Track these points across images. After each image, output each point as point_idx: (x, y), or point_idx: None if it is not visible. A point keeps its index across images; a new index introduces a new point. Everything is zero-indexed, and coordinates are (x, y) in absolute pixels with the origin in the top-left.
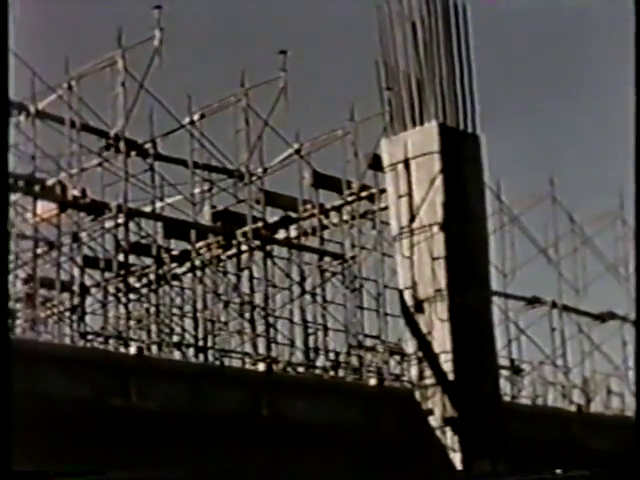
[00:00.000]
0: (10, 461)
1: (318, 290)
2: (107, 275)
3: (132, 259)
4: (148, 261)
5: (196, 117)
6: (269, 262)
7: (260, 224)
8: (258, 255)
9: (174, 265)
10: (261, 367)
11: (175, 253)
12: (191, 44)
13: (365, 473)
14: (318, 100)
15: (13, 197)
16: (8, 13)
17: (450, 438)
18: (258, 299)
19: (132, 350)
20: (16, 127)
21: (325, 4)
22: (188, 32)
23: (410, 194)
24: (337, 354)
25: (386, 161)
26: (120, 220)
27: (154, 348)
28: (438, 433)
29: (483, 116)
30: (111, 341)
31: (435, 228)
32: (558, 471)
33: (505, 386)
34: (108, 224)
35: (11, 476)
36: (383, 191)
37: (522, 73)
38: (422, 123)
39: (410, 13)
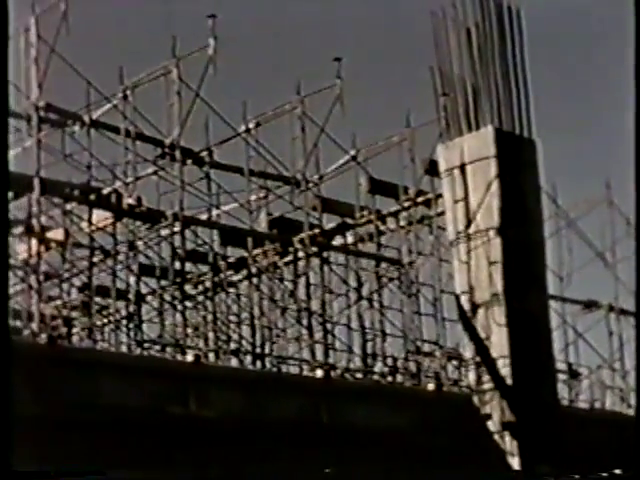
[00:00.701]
0: (10, 461)
1: (375, 296)
2: (163, 283)
3: (188, 267)
4: (204, 269)
5: (252, 125)
6: (326, 268)
7: (317, 231)
8: (315, 262)
9: (230, 272)
10: (319, 374)
11: (232, 260)
12: (246, 51)
13: (424, 478)
14: (374, 106)
15: (68, 206)
16: (8, 14)
17: (509, 443)
18: (315, 305)
19: (189, 358)
20: (71, 137)
21: (380, 10)
22: (243, 39)
23: (466, 199)
24: (395, 360)
25: (442, 166)
26: (176, 228)
27: (211, 355)
28: (496, 438)
29: (538, 120)
30: (168, 349)
31: (492, 233)
32: (617, 471)
33: (563, 390)
34: (164, 232)
35: (11, 476)
36: (439, 196)
37: (577, 75)
38: (478, 128)
39: (464, 19)
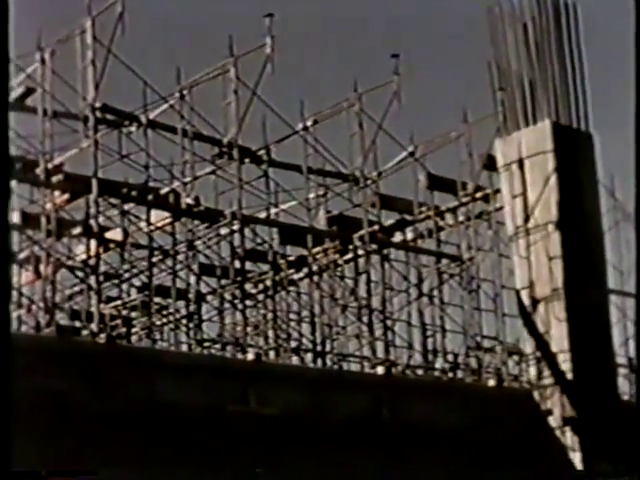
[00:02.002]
0: (10, 461)
1: (435, 292)
2: (223, 282)
3: (248, 266)
4: (264, 267)
5: (309, 122)
6: (386, 265)
7: (376, 227)
8: (375, 259)
9: (291, 271)
10: (380, 370)
11: (292, 259)
12: (303, 50)
13: (485, 474)
14: (432, 102)
15: (127, 206)
16: (8, 13)
17: (570, 438)
18: (376, 303)
19: (250, 356)
20: (128, 137)
21: (436, 6)
22: (300, 38)
23: (525, 194)
24: (455, 356)
25: (500, 161)
26: (235, 227)
27: (272, 354)
28: (557, 433)
29: (596, 113)
30: (228, 348)
31: (550, 227)
32: None
33: (623, 385)
34: (223, 231)
35: (11, 476)
36: (498, 191)
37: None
38: (535, 122)
39: (521, 13)
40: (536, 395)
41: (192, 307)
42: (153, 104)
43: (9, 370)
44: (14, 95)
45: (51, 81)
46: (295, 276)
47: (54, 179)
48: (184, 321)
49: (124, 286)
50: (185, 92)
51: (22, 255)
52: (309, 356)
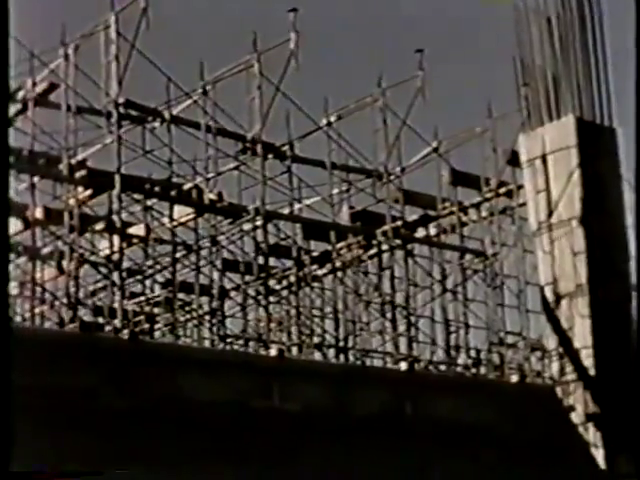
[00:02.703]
0: (10, 461)
1: (459, 288)
2: (247, 278)
3: (272, 261)
4: (288, 263)
5: (333, 118)
6: (410, 261)
7: (399, 223)
8: (399, 254)
9: (314, 266)
10: (403, 366)
11: (315, 254)
12: (327, 45)
13: (507, 470)
14: (456, 97)
15: (150, 202)
16: (8, 12)
17: (592, 434)
18: (399, 298)
19: (273, 352)
20: (152, 133)
21: (461, 1)
22: (323, 33)
23: (548, 189)
24: (478, 352)
25: (524, 157)
26: (258, 223)
27: (295, 350)
28: (580, 429)
29: (619, 108)
30: (251, 344)
31: (574, 223)
32: None
33: None
34: (246, 227)
35: (10, 476)
36: (521, 187)
37: None
38: (559, 117)
39: (545, 9)
40: (559, 391)
41: (215, 303)
42: (176, 100)
43: (9, 370)
44: (38, 90)
45: (74, 77)
46: (319, 272)
47: (77, 175)
48: (207, 317)
49: (147, 282)
50: (208, 88)
51: (45, 251)
52: (332, 352)
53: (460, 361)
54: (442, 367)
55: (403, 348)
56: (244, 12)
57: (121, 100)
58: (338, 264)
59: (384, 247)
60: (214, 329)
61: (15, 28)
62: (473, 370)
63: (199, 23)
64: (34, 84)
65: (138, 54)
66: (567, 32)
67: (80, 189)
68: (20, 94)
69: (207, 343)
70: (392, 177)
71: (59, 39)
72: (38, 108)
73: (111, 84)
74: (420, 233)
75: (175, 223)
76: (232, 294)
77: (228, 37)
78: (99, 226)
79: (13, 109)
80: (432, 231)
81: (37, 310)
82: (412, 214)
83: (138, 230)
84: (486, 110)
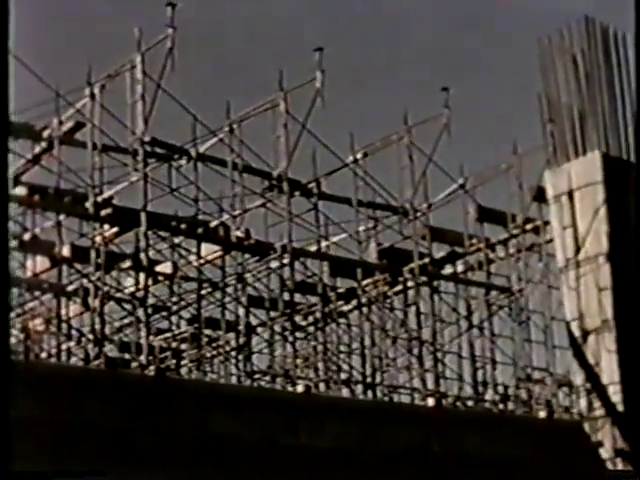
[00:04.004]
0: (9, 461)
1: (485, 324)
2: (273, 314)
3: (298, 298)
4: (314, 299)
5: (359, 155)
6: (436, 297)
7: (426, 260)
8: (425, 291)
9: (340, 303)
10: (430, 402)
11: (341, 291)
12: (353, 83)
13: None
14: (481, 135)
15: (176, 239)
16: (9, 15)
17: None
18: (426, 334)
19: (300, 388)
20: (178, 171)
21: (486, 38)
22: (349, 72)
23: (575, 225)
24: (506, 387)
25: (550, 193)
26: (285, 260)
27: (322, 386)
28: (609, 465)
29: None
30: (278, 380)
31: (601, 259)
32: None
33: None
34: (273, 264)
35: (10, 476)
36: (548, 223)
37: None
38: (585, 153)
39: (570, 45)
40: (587, 427)
41: (242, 339)
42: (203, 138)
43: (8, 369)
44: (64, 129)
45: (100, 115)
46: (345, 308)
47: (103, 212)
48: (234, 353)
49: (173, 318)
50: (235, 126)
51: (71, 287)
52: (359, 388)
53: (488, 397)
54: (470, 403)
55: (430, 384)
56: (269, 52)
57: (147, 138)
58: (364, 300)
59: (410, 283)
60: (241, 365)
61: (41, 68)
62: (501, 406)
63: (225, 63)
64: (60, 123)
65: (164, 93)
66: (592, 68)
67: (106, 227)
68: (46, 133)
69: (234, 379)
70: (419, 214)
71: (85, 79)
72: (64, 147)
73: (137, 122)
74: (447, 270)
75: (202, 260)
76: (258, 330)
77: (254, 76)
78: (125, 264)
79: (39, 148)
80: (459, 268)
81: (63, 346)
82: (439, 251)
83: (165, 268)
84: (512, 146)
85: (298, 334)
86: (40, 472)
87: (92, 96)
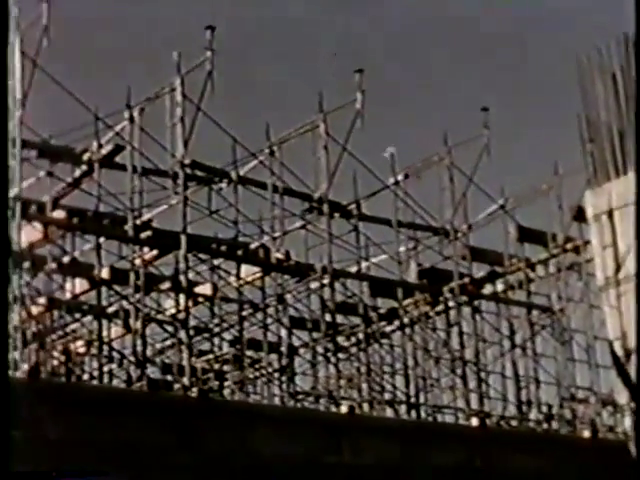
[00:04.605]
0: (9, 461)
1: (528, 343)
2: (315, 335)
3: (339, 319)
4: (355, 320)
5: (400, 176)
6: (478, 317)
7: (466, 280)
8: (466, 310)
9: (382, 323)
10: (474, 422)
11: (382, 311)
12: (393, 103)
13: None
14: (522, 155)
15: (216, 261)
16: (9, 17)
17: None
18: (469, 354)
19: (343, 409)
20: (218, 193)
21: (525, 57)
22: (390, 91)
23: (615, 244)
24: (549, 407)
25: (590, 212)
26: (325, 281)
27: (365, 406)
28: None
29: None
30: (322, 401)
31: None
32: None
33: None
34: (313, 285)
35: (11, 476)
36: (588, 242)
37: None
38: (625, 173)
39: (610, 64)
40: (632, 446)
41: (284, 360)
42: (243, 160)
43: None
44: (103, 152)
45: (140, 138)
46: (387, 328)
47: (143, 235)
48: (277, 374)
49: (215, 340)
50: (275, 148)
51: (111, 309)
52: (403, 408)
53: (532, 416)
54: (514, 422)
55: (474, 404)
56: (308, 74)
57: (187, 161)
58: (406, 320)
59: (451, 303)
60: (284, 386)
61: (81, 92)
62: (545, 425)
63: (264, 85)
64: (100, 146)
65: (204, 115)
66: (632, 86)
67: (146, 249)
68: (86, 156)
69: (277, 400)
70: (459, 234)
71: (124, 102)
72: (104, 170)
73: (177, 145)
74: (487, 289)
75: (242, 282)
76: (301, 351)
77: (294, 98)
78: (165, 285)
79: (78, 171)
80: (499, 287)
81: (105, 368)
82: (479, 271)
83: (204, 289)
84: (552, 167)
85: (341, 355)
86: (40, 472)
87: (131, 119)
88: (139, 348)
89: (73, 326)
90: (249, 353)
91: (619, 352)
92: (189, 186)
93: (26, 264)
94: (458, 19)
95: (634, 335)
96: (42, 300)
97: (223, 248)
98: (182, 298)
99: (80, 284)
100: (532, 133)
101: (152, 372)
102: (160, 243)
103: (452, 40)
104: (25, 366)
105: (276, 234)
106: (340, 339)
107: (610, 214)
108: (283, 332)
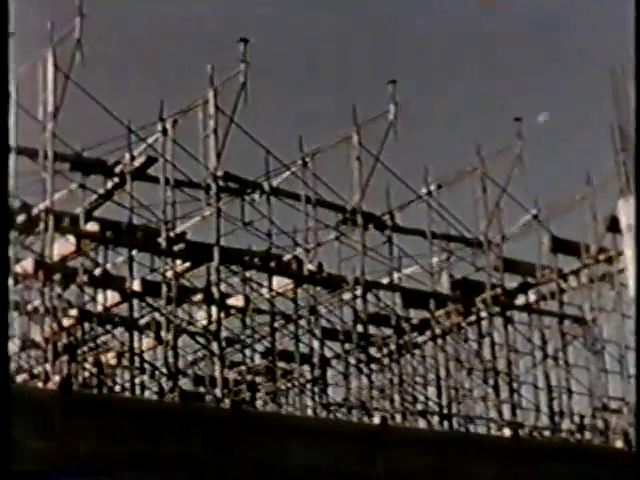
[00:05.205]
0: (9, 461)
1: (560, 354)
2: (347, 346)
3: (372, 330)
4: (388, 331)
5: (433, 187)
6: (510, 328)
7: (499, 291)
8: (498, 321)
9: (415, 334)
10: (507, 433)
11: (415, 322)
12: (425, 115)
13: None
14: (554, 165)
15: (248, 273)
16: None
17: None
18: (501, 365)
19: (376, 420)
20: (251, 205)
21: (558, 68)
22: (421, 103)
23: None
24: (582, 417)
25: (623, 222)
26: (358, 292)
27: (398, 417)
28: None
29: None
30: (354, 412)
31: None
32: None
33: None
34: (346, 296)
35: (11, 476)
36: (621, 253)
37: None
38: None
39: None
40: None
41: (317, 371)
42: (276, 171)
43: (8, 367)
44: (136, 164)
45: (172, 151)
46: (419, 339)
47: (176, 248)
48: (309, 385)
49: (247, 351)
50: (308, 159)
51: (143, 321)
52: (435, 419)
53: (564, 427)
54: (546, 433)
55: (507, 414)
56: (341, 85)
57: (220, 173)
58: (438, 331)
59: (483, 314)
60: (316, 397)
61: (113, 105)
62: (578, 436)
63: (297, 96)
64: (132, 158)
65: (236, 127)
66: None
67: (178, 261)
68: (118, 168)
69: (310, 412)
70: (492, 245)
71: (157, 114)
72: (136, 182)
73: (209, 157)
74: (519, 300)
75: (274, 293)
76: (333, 362)
77: (326, 110)
78: (197, 297)
79: (111, 183)
80: (531, 297)
81: (137, 380)
82: (511, 281)
83: (236, 301)
84: (585, 177)
85: (373, 366)
86: (40, 472)
87: (164, 131)
88: (171, 360)
89: (104, 338)
90: (281, 364)
91: None
92: (222, 198)
93: (57, 276)
94: (490, 33)
95: None
96: (74, 312)
97: (256, 260)
98: (214, 310)
99: (112, 296)
100: (565, 143)
101: (184, 384)
102: (193, 255)
103: (485, 51)
104: (57, 378)
105: (309, 246)
106: (372, 350)
107: None
108: (315, 343)
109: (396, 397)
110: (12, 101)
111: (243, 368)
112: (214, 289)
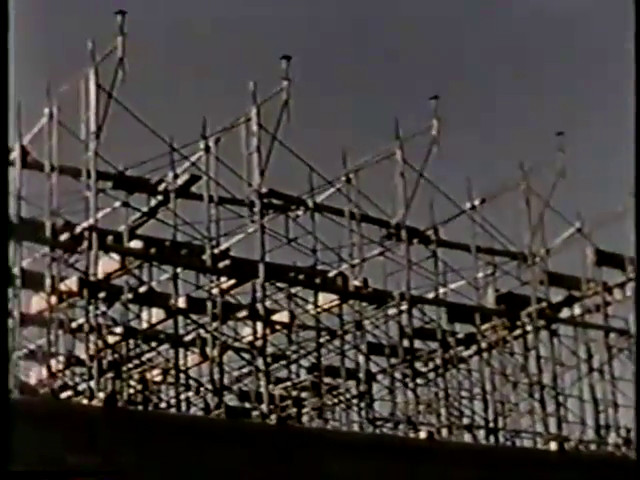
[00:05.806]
0: (9, 461)
1: (606, 367)
2: (393, 361)
3: (417, 344)
4: (433, 345)
5: (477, 202)
6: (555, 341)
7: (544, 304)
8: (543, 335)
9: (460, 348)
10: (553, 446)
11: (460, 336)
12: (469, 130)
13: None
14: (597, 178)
15: (293, 290)
16: (8, 17)
17: None
18: (547, 378)
19: (422, 434)
20: (295, 221)
21: (596, 83)
22: (464, 118)
23: None
24: (628, 430)
25: None
26: (403, 307)
27: (444, 432)
28: None
29: None
30: (400, 426)
31: None
32: None
33: None
34: (391, 311)
35: (11, 476)
36: None
37: None
38: None
39: None
40: None
41: (363, 386)
42: (320, 188)
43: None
44: (179, 182)
45: (216, 168)
46: (465, 353)
47: (220, 265)
48: (355, 401)
49: (293, 367)
50: (351, 175)
51: (188, 337)
52: (482, 433)
53: (610, 440)
54: (592, 447)
55: (553, 428)
56: (383, 100)
57: (264, 190)
58: (483, 345)
59: (528, 328)
60: (362, 413)
61: (156, 124)
62: (623, 449)
63: (340, 112)
64: (175, 176)
65: (280, 144)
66: None
67: (223, 278)
68: (161, 186)
69: (356, 427)
70: (537, 259)
71: (200, 132)
72: (180, 199)
73: (253, 174)
74: (564, 313)
75: (319, 309)
76: (379, 377)
77: (369, 125)
78: (242, 313)
79: (154, 201)
80: (576, 311)
81: (182, 396)
82: (556, 295)
83: (281, 317)
84: (628, 188)
85: (419, 380)
86: (40, 472)
87: (207, 149)
88: (216, 376)
89: (149, 355)
90: (327, 380)
91: None
92: (266, 214)
93: (102, 294)
94: (536, 48)
95: None
96: (119, 329)
97: (301, 276)
98: (259, 326)
99: (156, 313)
100: (607, 157)
101: (230, 400)
102: (238, 272)
103: (530, 66)
104: (102, 395)
105: (354, 261)
106: (418, 365)
107: None
108: (361, 358)
109: (442, 411)
110: (54, 120)
111: (289, 384)
112: (259, 305)
